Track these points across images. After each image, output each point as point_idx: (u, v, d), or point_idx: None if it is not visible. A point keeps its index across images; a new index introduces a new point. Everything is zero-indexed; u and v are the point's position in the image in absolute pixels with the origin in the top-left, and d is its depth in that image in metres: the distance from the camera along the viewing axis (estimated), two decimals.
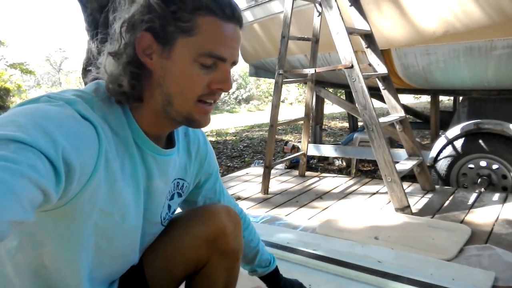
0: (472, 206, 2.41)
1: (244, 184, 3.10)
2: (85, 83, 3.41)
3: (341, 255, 1.77)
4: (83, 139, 0.58)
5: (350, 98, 4.15)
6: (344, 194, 2.76)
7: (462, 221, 2.19)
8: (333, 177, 3.26)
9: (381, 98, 3.06)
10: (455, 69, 2.93)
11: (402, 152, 3.00)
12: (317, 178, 3.19)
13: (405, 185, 2.86)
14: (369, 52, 2.69)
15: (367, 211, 2.38)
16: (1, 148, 0.45)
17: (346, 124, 6.27)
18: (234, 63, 0.70)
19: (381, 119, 2.46)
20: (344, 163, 4.23)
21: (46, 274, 0.67)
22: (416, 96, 11.30)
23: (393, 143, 3.82)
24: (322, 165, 4.31)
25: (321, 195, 2.75)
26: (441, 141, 2.94)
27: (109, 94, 0.68)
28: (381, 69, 2.64)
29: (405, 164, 2.55)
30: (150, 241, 0.83)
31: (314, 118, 4.15)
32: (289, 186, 3.00)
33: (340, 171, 4.10)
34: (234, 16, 0.67)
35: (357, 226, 2.13)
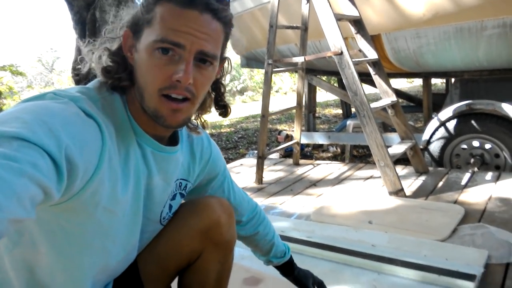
0: (466, 186, 2.42)
1: (239, 175, 3.10)
2: (76, 82, 3.38)
3: (335, 241, 1.77)
4: (87, 137, 0.58)
5: (342, 85, 4.13)
6: (338, 180, 2.77)
7: (455, 202, 2.20)
8: (327, 164, 3.26)
9: (372, 84, 3.05)
10: (446, 51, 2.92)
11: (395, 136, 3.00)
12: (311, 166, 3.19)
13: (399, 168, 2.87)
14: (358, 37, 2.67)
15: (361, 196, 2.39)
16: (4, 146, 0.46)
17: (340, 111, 6.27)
18: (202, 53, 0.65)
19: (373, 105, 2.45)
20: (339, 150, 4.23)
21: (40, 274, 0.67)
22: (409, 80, 11.29)
23: (386, 128, 3.82)
24: (316, 152, 4.31)
25: (315, 183, 2.75)
26: (433, 123, 2.95)
27: (104, 80, 0.69)
28: (371, 54, 2.62)
29: (398, 148, 2.55)
30: (148, 239, 0.83)
31: (307, 106, 4.14)
32: (283, 175, 3.00)
33: (334, 157, 4.10)
34: (195, 2, 0.64)
35: (351, 211, 2.13)
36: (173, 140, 0.79)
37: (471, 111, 2.79)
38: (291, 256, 1.15)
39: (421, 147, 2.91)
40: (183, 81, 0.64)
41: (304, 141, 3.61)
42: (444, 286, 1.36)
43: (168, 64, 0.64)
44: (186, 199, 0.90)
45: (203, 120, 0.83)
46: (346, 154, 3.82)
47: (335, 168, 3.08)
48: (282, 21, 2.96)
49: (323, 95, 8.81)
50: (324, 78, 4.35)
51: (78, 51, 3.39)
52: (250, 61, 4.61)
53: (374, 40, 2.84)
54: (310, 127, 4.18)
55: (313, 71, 3.88)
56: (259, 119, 2.75)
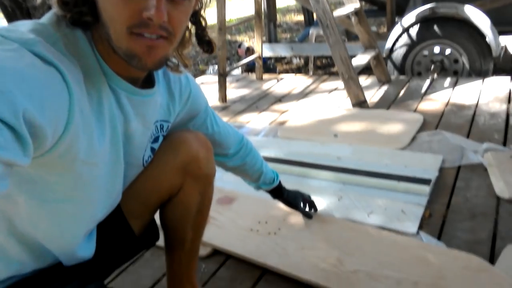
0: (425, 93, 2.50)
1: None
2: (7, 16, 2.89)
3: (302, 156, 1.82)
4: (49, 93, 0.48)
5: None
6: (303, 95, 2.75)
7: (415, 110, 2.28)
8: (291, 77, 3.21)
9: None
10: None
11: (358, 45, 2.94)
12: (275, 81, 3.13)
13: (362, 78, 2.88)
14: None
15: (326, 110, 2.41)
16: None
17: (302, 18, 5.99)
18: None
19: (336, 12, 2.33)
20: (302, 61, 4.15)
21: (20, 224, 0.63)
22: None
23: (350, 36, 3.73)
24: (279, 65, 4.21)
25: (280, 98, 2.73)
26: (396, 30, 2.89)
27: (62, 13, 0.56)
28: None
29: (361, 59, 2.52)
30: (131, 181, 0.80)
31: (267, 15, 3.90)
32: (247, 92, 2.94)
33: (298, 69, 4.04)
34: None
35: (316, 126, 2.17)
36: (148, 81, 0.71)
37: (434, 15, 2.75)
38: (280, 182, 1.20)
39: (384, 55, 2.90)
40: (155, 20, 0.53)
41: (266, 54, 3.48)
42: (403, 192, 1.47)
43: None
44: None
45: (184, 58, 0.72)
46: (309, 65, 3.76)
47: (299, 82, 3.04)
48: None
49: (282, 0, 8.30)
50: None
51: None
52: None
53: None
54: (271, 38, 4.00)
55: None
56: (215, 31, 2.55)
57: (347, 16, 2.52)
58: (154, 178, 0.81)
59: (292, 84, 2.99)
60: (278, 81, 3.11)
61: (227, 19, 2.67)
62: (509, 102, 2.23)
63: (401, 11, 3.48)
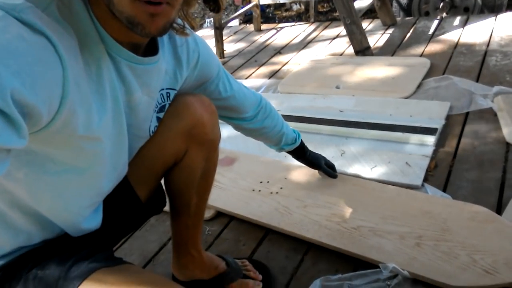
0: (433, 35, 2.36)
1: None
2: None
3: (304, 110, 1.77)
4: (39, 67, 0.44)
5: None
6: (304, 44, 2.63)
7: (422, 54, 2.16)
8: (291, 26, 3.05)
9: None
10: None
11: None
12: (274, 31, 2.98)
13: (365, 23, 2.72)
14: None
15: (328, 60, 2.30)
16: None
17: None
18: None
19: None
20: (303, 7, 3.93)
21: (21, 197, 0.61)
22: None
23: None
24: (279, 13, 4.00)
25: (280, 50, 2.61)
26: None
27: None
28: None
29: (364, 0, 2.36)
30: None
31: None
32: (245, 45, 2.81)
33: (298, 16, 3.84)
34: None
35: (318, 78, 2.08)
36: (151, 47, 0.66)
37: None
38: (302, 141, 1.16)
39: None
40: None
41: (264, 1, 3.29)
42: (408, 143, 1.43)
43: None
44: None
45: (190, 19, 0.66)
46: (310, 12, 3.56)
47: (299, 30, 2.89)
48: None
49: None
50: None
51: None
52: None
53: None
54: None
55: None
56: None
57: None
58: (159, 144, 0.78)
59: (292, 34, 2.85)
60: (277, 30, 2.96)
61: None
62: None
63: None
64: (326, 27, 2.87)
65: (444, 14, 2.62)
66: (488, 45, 2.10)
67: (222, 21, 2.58)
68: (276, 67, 2.35)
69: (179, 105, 0.78)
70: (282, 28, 3.03)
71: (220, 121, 0.87)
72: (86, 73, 0.53)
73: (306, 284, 0.93)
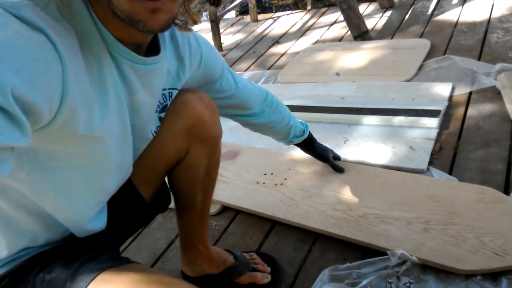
0: (432, 15, 2.32)
1: None
2: None
3: (305, 99, 1.75)
4: (39, 65, 0.43)
5: None
6: (301, 32, 2.60)
7: (421, 35, 2.13)
8: (288, 14, 3.01)
9: None
10: None
11: None
12: (271, 20, 2.95)
13: (363, 6, 2.68)
14: None
15: (326, 46, 2.27)
16: None
17: None
18: None
19: None
20: None
21: (25, 194, 0.61)
22: None
23: None
24: (275, 2, 3.95)
25: (278, 39, 2.58)
26: None
27: None
28: None
29: None
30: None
31: None
32: (243, 37, 2.79)
33: (295, 4, 3.79)
34: None
35: (317, 65, 2.06)
36: (153, 47, 0.65)
37: None
38: (310, 133, 1.15)
39: None
40: None
41: None
42: (411, 126, 1.41)
43: None
44: None
45: (192, 14, 0.65)
46: None
47: (297, 18, 2.86)
48: None
49: None
50: None
51: None
52: None
53: None
54: None
55: None
56: None
57: None
58: (160, 143, 0.77)
59: (289, 22, 2.82)
60: (274, 20, 2.93)
61: None
62: None
63: None
64: (323, 14, 2.83)
65: None
66: (488, 22, 2.06)
67: (218, 14, 2.55)
68: (275, 57, 2.33)
69: (179, 104, 0.77)
70: (279, 17, 3.00)
71: (220, 116, 0.87)
72: (88, 72, 0.52)
73: (314, 275, 0.93)
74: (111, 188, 0.70)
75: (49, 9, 0.48)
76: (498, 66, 1.61)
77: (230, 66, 2.35)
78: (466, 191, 1.06)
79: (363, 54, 2.02)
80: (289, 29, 2.70)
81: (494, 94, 1.48)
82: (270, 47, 2.50)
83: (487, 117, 1.38)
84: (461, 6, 2.32)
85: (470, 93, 1.54)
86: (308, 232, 1.07)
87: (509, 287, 0.81)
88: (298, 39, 2.51)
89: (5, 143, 0.38)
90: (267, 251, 1.05)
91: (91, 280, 0.60)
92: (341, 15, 2.22)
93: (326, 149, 1.24)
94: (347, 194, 1.15)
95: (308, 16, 2.87)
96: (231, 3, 3.01)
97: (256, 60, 2.36)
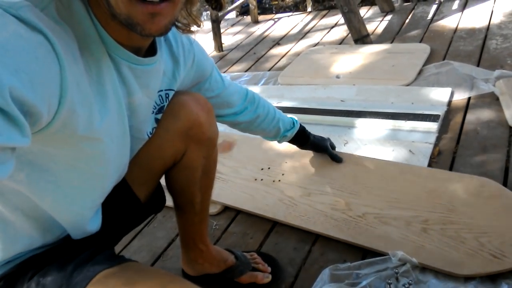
0: (432, 20, 2.34)
1: None
2: None
3: (305, 102, 1.76)
4: (37, 65, 0.43)
5: None
6: (302, 34, 2.61)
7: (421, 40, 2.15)
8: (289, 16, 3.03)
9: None
10: None
11: None
12: (271, 22, 2.96)
13: (363, 10, 2.70)
14: None
15: (327, 49, 2.29)
16: None
17: None
18: None
19: None
20: None
21: (23, 196, 0.61)
22: None
23: None
24: (275, 2, 3.96)
25: (278, 41, 2.59)
26: None
27: None
28: None
29: None
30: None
31: None
32: (243, 37, 2.80)
33: (295, 6, 3.80)
34: None
35: (317, 68, 2.07)
36: (150, 48, 0.65)
37: None
38: (301, 125, 1.15)
39: None
40: None
41: None
42: (411, 130, 1.43)
43: None
44: None
45: (194, 17, 0.65)
46: (307, 0, 3.53)
47: (297, 20, 2.87)
48: None
49: None
50: None
51: None
52: None
53: None
54: None
55: None
56: None
57: None
58: (157, 145, 0.78)
59: (290, 24, 2.83)
60: (275, 21, 2.94)
61: None
62: None
63: None
64: (323, 16, 2.84)
65: None
66: (488, 28, 2.08)
67: (219, 14, 2.56)
68: (275, 59, 2.34)
69: (175, 106, 0.78)
70: (279, 18, 3.01)
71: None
72: (86, 73, 0.52)
73: (315, 275, 0.94)
74: (108, 189, 0.70)
75: (49, 10, 0.48)
76: (497, 72, 1.63)
77: (230, 67, 2.36)
78: (465, 184, 1.08)
79: (363, 58, 2.04)
80: (290, 31, 2.72)
81: (493, 100, 1.50)
82: (271, 48, 2.51)
83: (486, 123, 1.40)
84: (461, 12, 2.34)
85: (469, 98, 1.55)
86: (309, 232, 1.08)
87: None
88: (298, 41, 2.52)
89: (5, 144, 0.38)
90: (267, 251, 1.06)
91: (87, 283, 0.59)
92: (342, 18, 2.24)
93: (323, 138, 1.24)
94: (345, 190, 1.16)
95: (308, 18, 2.88)
96: (232, 4, 3.02)
97: (256, 61, 2.37)
